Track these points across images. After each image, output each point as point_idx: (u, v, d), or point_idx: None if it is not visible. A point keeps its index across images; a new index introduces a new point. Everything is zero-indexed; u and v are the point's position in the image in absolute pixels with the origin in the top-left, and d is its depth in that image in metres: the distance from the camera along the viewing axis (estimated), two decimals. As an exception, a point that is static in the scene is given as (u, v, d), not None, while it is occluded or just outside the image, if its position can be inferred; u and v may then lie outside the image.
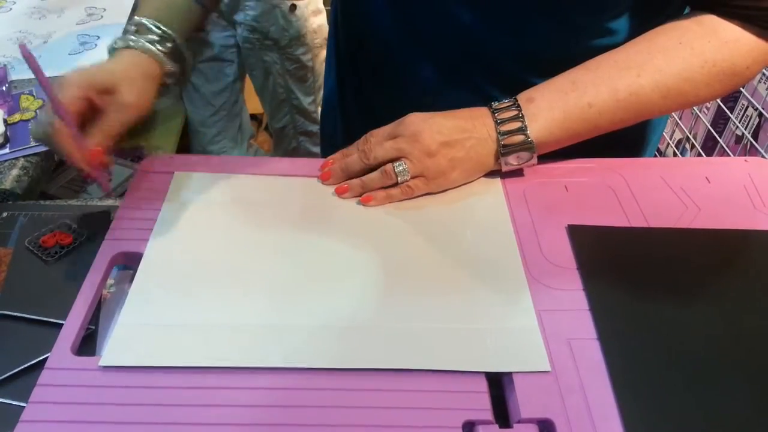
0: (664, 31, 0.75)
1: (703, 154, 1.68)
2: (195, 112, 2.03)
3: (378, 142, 0.75)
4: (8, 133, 0.95)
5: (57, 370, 0.58)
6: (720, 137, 1.62)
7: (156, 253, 0.69)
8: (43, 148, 0.94)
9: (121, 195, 0.77)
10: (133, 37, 0.75)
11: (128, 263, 0.70)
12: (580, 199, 0.76)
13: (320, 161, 0.80)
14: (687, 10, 0.78)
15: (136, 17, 0.77)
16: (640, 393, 0.57)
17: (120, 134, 0.71)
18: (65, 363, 0.59)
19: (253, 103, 2.23)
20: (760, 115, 1.50)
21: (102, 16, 1.31)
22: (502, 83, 0.83)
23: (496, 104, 0.75)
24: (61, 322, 0.63)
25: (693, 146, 1.72)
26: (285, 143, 2.06)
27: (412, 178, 0.74)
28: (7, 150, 0.92)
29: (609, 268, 0.68)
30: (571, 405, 0.56)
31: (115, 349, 0.59)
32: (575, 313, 0.63)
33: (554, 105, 0.74)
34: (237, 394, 0.56)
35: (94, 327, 0.64)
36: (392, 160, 0.74)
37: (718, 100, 1.61)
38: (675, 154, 1.78)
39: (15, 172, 0.89)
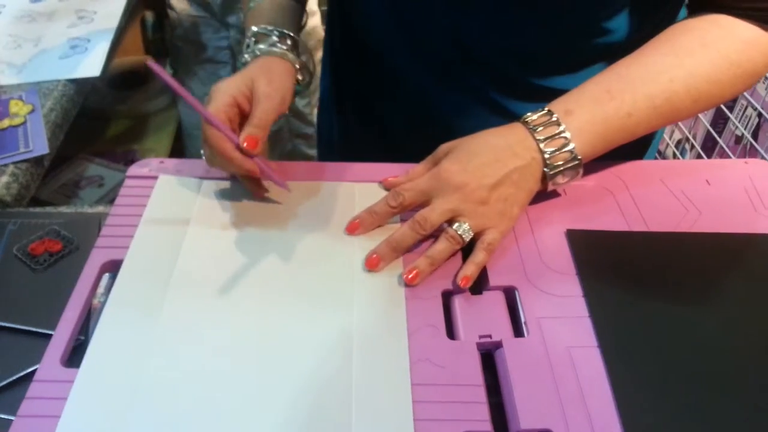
0: (682, 32, 0.73)
1: (702, 154, 1.67)
2: (189, 115, 2.02)
3: (413, 197, 0.69)
4: (-3, 139, 0.94)
5: (46, 383, 0.57)
6: (719, 138, 1.61)
7: (126, 283, 0.66)
8: (33, 154, 0.92)
9: (113, 200, 0.76)
10: (259, 45, 0.78)
11: (118, 271, 0.68)
12: (578, 203, 0.75)
13: (311, 164, 0.79)
14: (683, 9, 0.77)
15: (253, 29, 0.80)
16: (641, 402, 0.56)
17: (269, 124, 0.71)
18: (54, 375, 0.57)
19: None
20: (760, 115, 1.49)
21: (93, 20, 1.30)
22: (500, 83, 0.82)
23: (532, 119, 0.70)
24: (49, 332, 0.61)
25: (692, 147, 1.71)
26: (280, 146, 2.05)
27: (476, 234, 0.68)
28: (-4, 156, 0.91)
29: (609, 274, 0.67)
30: (571, 414, 0.55)
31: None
32: (575, 320, 0.62)
33: (595, 117, 0.70)
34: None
35: (84, 337, 0.62)
36: (447, 222, 0.68)
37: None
38: (674, 155, 1.78)
39: (4, 179, 0.88)
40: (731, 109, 1.60)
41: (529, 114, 0.71)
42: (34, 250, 0.71)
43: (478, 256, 0.67)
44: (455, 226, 0.67)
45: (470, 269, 0.66)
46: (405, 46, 0.85)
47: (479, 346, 0.60)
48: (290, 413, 0.55)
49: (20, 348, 0.62)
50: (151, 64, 0.65)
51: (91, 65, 1.16)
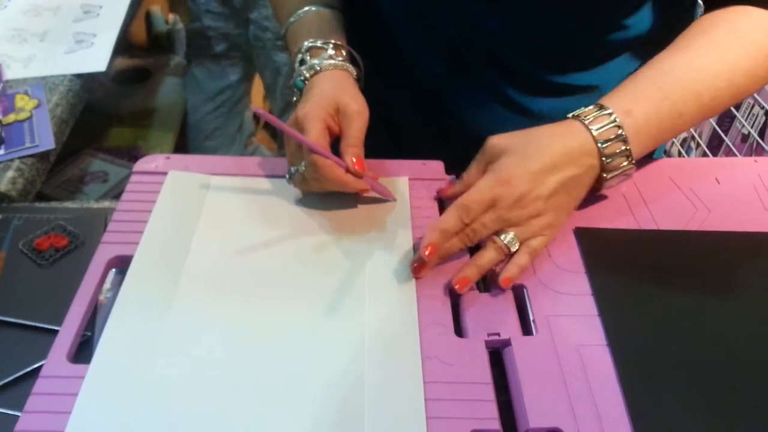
0: (713, 25, 0.72)
1: (708, 152, 1.67)
2: (194, 108, 2.02)
3: (483, 208, 0.66)
4: (3, 134, 0.94)
5: (52, 379, 0.56)
6: (726, 136, 1.60)
7: (138, 273, 0.66)
8: (38, 149, 0.92)
9: (117, 196, 0.75)
10: (314, 61, 0.76)
11: (125, 267, 0.68)
12: (587, 201, 0.74)
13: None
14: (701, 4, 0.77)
15: (305, 43, 0.78)
16: (651, 401, 0.55)
17: (363, 141, 0.71)
18: (61, 371, 0.57)
19: (257, 102, 2.23)
20: (767, 113, 1.48)
21: (98, 14, 1.30)
22: (518, 80, 0.82)
23: (589, 118, 0.67)
24: (56, 328, 0.61)
25: (698, 145, 1.70)
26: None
27: (523, 242, 0.67)
28: (2, 151, 0.91)
29: (618, 272, 0.66)
30: (580, 413, 0.54)
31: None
32: (584, 318, 0.62)
33: (651, 118, 0.68)
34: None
35: (90, 333, 0.62)
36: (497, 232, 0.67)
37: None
38: (680, 153, 1.77)
39: (10, 173, 0.88)
40: (738, 107, 1.59)
41: (586, 110, 0.68)
42: (39, 245, 0.71)
43: (523, 259, 0.66)
44: (503, 235, 0.66)
45: (513, 271, 0.65)
46: (422, 41, 0.85)
47: (488, 344, 0.60)
48: (303, 411, 0.55)
49: (26, 344, 0.62)
50: (256, 108, 0.67)
51: (96, 60, 1.15)
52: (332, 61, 0.76)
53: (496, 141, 0.68)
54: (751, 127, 1.52)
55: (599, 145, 0.66)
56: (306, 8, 0.81)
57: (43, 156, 0.93)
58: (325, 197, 0.74)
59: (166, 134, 1.87)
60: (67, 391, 0.55)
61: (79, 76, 1.12)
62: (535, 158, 0.66)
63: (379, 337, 0.60)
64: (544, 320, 0.62)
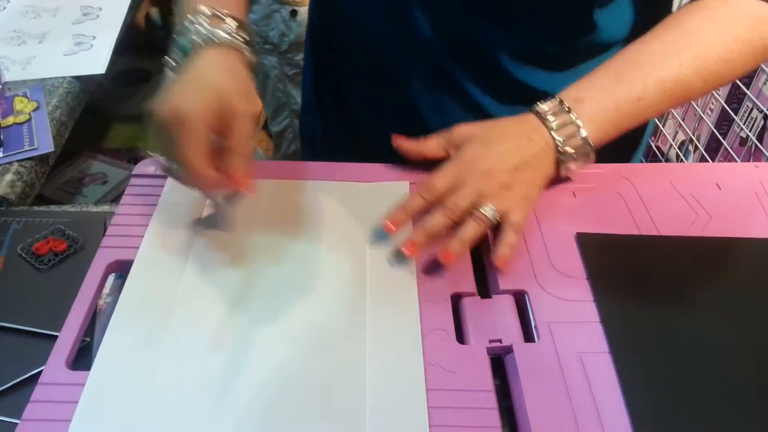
0: (689, 15, 0.74)
1: (706, 155, 1.67)
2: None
3: (447, 186, 0.69)
4: (2, 137, 0.93)
5: (51, 386, 0.56)
6: (724, 139, 1.60)
7: (137, 282, 0.65)
8: (38, 152, 0.92)
9: (117, 198, 0.75)
10: (213, 30, 0.68)
11: (124, 272, 0.67)
12: (588, 206, 0.74)
13: (315, 164, 0.78)
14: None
15: (205, 8, 0.69)
16: (653, 408, 0.55)
17: (249, 144, 0.66)
18: (60, 378, 0.57)
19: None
20: (765, 117, 1.48)
21: (98, 16, 1.29)
22: (492, 86, 0.83)
23: (542, 108, 0.72)
24: (54, 333, 0.61)
25: (696, 148, 1.70)
26: (284, 146, 2.05)
27: (501, 215, 0.68)
28: (0, 154, 0.90)
29: (620, 278, 0.66)
30: (582, 421, 0.54)
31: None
32: (586, 325, 0.62)
33: (605, 104, 0.71)
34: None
35: (89, 339, 0.62)
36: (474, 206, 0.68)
37: (722, 102, 1.60)
38: (678, 156, 1.77)
39: (9, 177, 0.87)
40: (736, 111, 1.59)
41: (539, 103, 0.72)
42: (38, 249, 0.71)
43: (511, 236, 0.67)
44: (482, 208, 0.68)
45: (504, 250, 0.67)
46: (395, 45, 0.84)
47: (489, 350, 0.60)
48: (304, 418, 0.55)
49: (25, 349, 0.61)
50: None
51: (96, 62, 1.15)
52: (230, 38, 0.68)
53: (461, 128, 0.73)
54: (750, 131, 1.52)
55: (550, 128, 0.71)
56: None
57: (42, 159, 0.93)
58: (324, 202, 0.73)
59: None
60: (67, 398, 0.55)
61: (78, 78, 1.11)
62: (496, 141, 0.71)
63: (381, 343, 0.60)
64: (545, 327, 0.61)
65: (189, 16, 0.69)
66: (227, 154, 0.64)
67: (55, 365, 0.58)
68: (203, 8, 0.69)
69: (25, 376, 0.59)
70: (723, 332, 0.61)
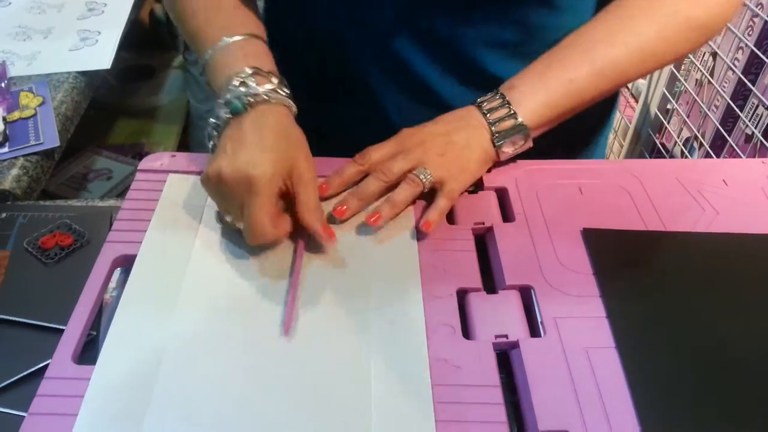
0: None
1: (711, 153, 1.66)
2: (196, 106, 2.01)
3: (384, 158, 0.72)
4: (8, 132, 0.93)
5: (57, 380, 0.56)
6: (729, 136, 1.60)
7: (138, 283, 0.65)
8: (43, 147, 0.92)
9: (122, 193, 0.75)
10: (260, 88, 0.68)
11: (130, 266, 0.67)
12: (594, 202, 0.74)
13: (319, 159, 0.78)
14: None
15: (246, 68, 0.69)
16: (659, 404, 0.55)
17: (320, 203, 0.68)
18: (66, 372, 0.57)
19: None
20: (771, 113, 1.48)
21: (103, 11, 1.29)
22: (454, 73, 0.84)
23: (480, 99, 0.74)
24: (61, 327, 0.61)
25: (701, 145, 1.70)
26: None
27: (437, 182, 0.71)
28: (6, 149, 0.90)
29: (626, 274, 0.66)
30: (589, 416, 0.54)
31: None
32: (592, 320, 0.61)
33: (536, 87, 0.73)
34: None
35: (95, 333, 0.62)
36: (409, 172, 0.71)
37: (728, 98, 1.59)
38: (683, 153, 1.77)
39: (14, 171, 0.87)
40: (741, 107, 1.59)
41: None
42: (44, 243, 0.71)
43: (441, 203, 0.70)
44: (416, 171, 0.70)
45: (433, 214, 0.70)
46: (349, 33, 0.83)
47: (495, 346, 0.60)
48: (309, 414, 0.54)
49: (31, 343, 0.62)
50: None
51: (101, 57, 1.15)
52: (277, 95, 0.69)
53: (408, 129, 0.75)
54: (755, 128, 1.52)
55: (484, 112, 0.73)
56: (237, 37, 0.73)
57: (47, 154, 0.93)
58: (327, 202, 0.73)
59: (170, 131, 1.86)
60: (73, 392, 0.55)
61: (83, 73, 1.11)
62: (430, 124, 0.74)
63: (386, 340, 0.60)
64: (551, 322, 0.61)
65: (233, 75, 0.69)
66: (303, 212, 0.66)
67: (62, 360, 0.58)
68: (246, 69, 0.69)
69: (32, 369, 0.59)
70: (729, 328, 0.61)
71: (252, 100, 0.67)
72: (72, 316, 0.61)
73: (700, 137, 1.72)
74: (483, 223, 0.72)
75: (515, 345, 0.60)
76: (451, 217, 0.73)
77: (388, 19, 0.80)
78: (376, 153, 0.72)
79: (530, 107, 0.73)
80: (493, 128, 0.73)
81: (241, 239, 0.68)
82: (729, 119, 1.64)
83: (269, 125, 0.67)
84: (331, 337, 0.60)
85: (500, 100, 0.73)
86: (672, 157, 1.82)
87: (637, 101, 1.99)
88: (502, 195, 0.76)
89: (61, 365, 0.57)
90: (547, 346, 0.59)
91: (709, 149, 1.68)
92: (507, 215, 0.74)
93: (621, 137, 2.05)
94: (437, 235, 0.70)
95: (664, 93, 1.82)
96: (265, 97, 0.68)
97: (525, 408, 0.56)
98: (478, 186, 0.77)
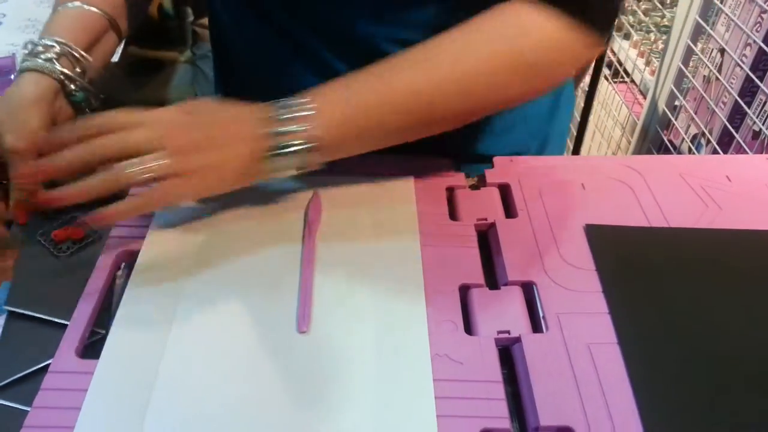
0: (478, 21, 0.68)
1: (718, 149, 1.66)
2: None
3: (104, 117, 0.64)
4: (14, 126, 0.94)
5: (61, 374, 0.57)
6: (737, 133, 1.59)
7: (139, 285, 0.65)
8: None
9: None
10: (30, 59, 0.69)
11: (134, 261, 0.68)
12: (597, 198, 0.74)
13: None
14: None
15: (43, 40, 0.71)
16: (662, 400, 0.55)
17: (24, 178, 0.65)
18: (70, 366, 0.57)
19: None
20: (778, 110, 1.47)
21: (110, 6, 1.29)
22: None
23: (282, 102, 0.65)
24: (68, 323, 0.61)
25: (708, 141, 1.69)
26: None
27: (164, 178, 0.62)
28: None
29: (628, 270, 0.66)
30: (591, 412, 0.54)
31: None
32: (594, 316, 0.62)
33: (334, 104, 0.66)
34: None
35: (105, 331, 0.62)
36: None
37: (735, 95, 1.59)
38: (690, 150, 1.76)
39: (21, 166, 0.88)
40: (749, 104, 1.58)
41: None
42: (57, 236, 0.71)
43: (132, 202, 0.64)
44: (128, 162, 0.61)
45: (121, 207, 0.63)
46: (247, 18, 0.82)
47: (497, 341, 0.60)
48: (312, 408, 0.55)
49: (43, 337, 0.61)
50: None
51: (107, 52, 1.15)
52: (43, 62, 0.69)
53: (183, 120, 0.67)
54: (763, 124, 1.51)
55: (272, 116, 0.64)
56: (76, 3, 0.74)
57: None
58: (331, 197, 0.74)
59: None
60: (76, 386, 0.56)
61: (90, 68, 1.11)
62: (203, 113, 0.66)
63: (388, 335, 0.60)
64: (554, 317, 0.61)
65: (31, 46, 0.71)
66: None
67: (65, 354, 0.58)
68: (43, 40, 0.70)
69: (42, 364, 0.59)
70: (731, 324, 0.61)
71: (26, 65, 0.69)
72: (75, 311, 0.62)
73: (707, 134, 1.71)
74: (485, 219, 0.72)
75: (517, 340, 0.60)
76: (453, 213, 0.73)
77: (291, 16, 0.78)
78: (100, 118, 0.64)
79: (327, 125, 0.65)
80: (276, 139, 0.64)
81: (249, 232, 0.69)
82: (737, 116, 1.63)
83: (13, 94, 0.68)
84: (332, 331, 0.61)
85: (296, 110, 0.64)
86: (679, 153, 1.82)
87: (645, 97, 1.99)
88: (504, 191, 0.76)
89: (65, 360, 0.58)
90: (549, 341, 0.60)
91: (716, 146, 1.68)
92: (510, 211, 0.74)
93: (629, 133, 2.04)
94: (440, 231, 0.70)
95: (672, 89, 1.82)
96: (25, 67, 0.69)
97: (527, 403, 0.56)
98: (480, 182, 0.77)
